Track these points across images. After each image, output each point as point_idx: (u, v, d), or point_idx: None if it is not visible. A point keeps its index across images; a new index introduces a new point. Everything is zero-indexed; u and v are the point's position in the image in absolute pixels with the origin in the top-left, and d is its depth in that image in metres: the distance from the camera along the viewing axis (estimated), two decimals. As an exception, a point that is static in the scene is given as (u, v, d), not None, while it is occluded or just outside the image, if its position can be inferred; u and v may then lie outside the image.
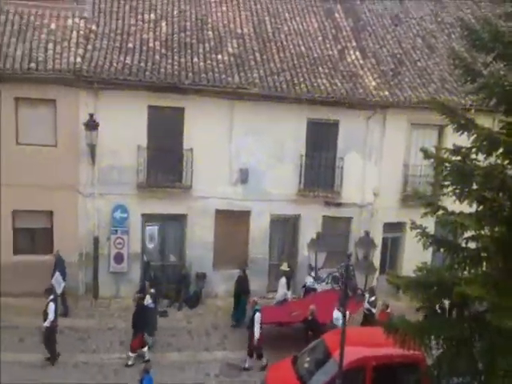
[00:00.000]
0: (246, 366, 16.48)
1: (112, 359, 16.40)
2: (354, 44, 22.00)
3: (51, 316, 15.54)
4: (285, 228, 21.09)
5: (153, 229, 19.65)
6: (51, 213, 18.80)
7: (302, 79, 20.00)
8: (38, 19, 18.70)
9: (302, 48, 21.16)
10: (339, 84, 20.34)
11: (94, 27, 19.21)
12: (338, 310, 16.26)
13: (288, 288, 19.32)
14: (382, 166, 21.10)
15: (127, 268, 19.58)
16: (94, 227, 19.17)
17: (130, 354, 16.20)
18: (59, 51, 18.17)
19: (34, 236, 19.10)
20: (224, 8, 21.44)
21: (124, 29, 19.56)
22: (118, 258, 19.42)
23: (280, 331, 17.83)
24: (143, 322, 16.33)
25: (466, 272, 11.03)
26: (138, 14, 20.18)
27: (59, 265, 18.16)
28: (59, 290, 17.43)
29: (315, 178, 20.63)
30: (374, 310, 17.86)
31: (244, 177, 19.98)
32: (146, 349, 16.42)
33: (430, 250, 11.93)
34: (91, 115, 18.02)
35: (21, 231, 18.89)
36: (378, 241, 20.60)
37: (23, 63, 17.59)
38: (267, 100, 19.50)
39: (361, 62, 21.44)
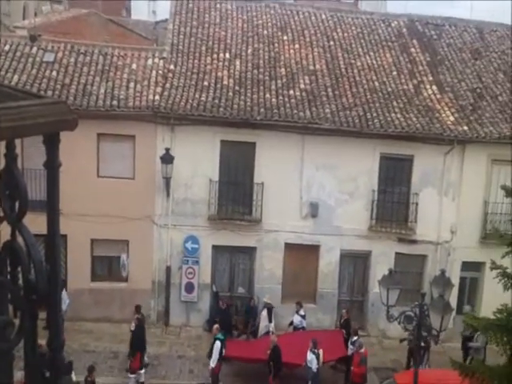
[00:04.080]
0: None
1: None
2: (431, 78, 21.59)
3: None
4: (355, 264, 20.82)
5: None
6: (127, 242, 19.70)
7: (375, 114, 19.88)
8: (120, 59, 19.95)
9: (376, 83, 21.04)
10: (414, 118, 20.03)
11: (172, 67, 20.15)
12: (312, 351, 15.71)
13: (270, 320, 18.79)
14: (460, 202, 20.42)
15: (197, 297, 20.06)
16: (166, 257, 19.87)
17: (130, 375, 16.36)
18: (139, 90, 19.23)
19: (111, 264, 20.08)
20: (297, 46, 21.77)
21: (200, 68, 20.34)
22: (189, 288, 19.96)
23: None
24: (140, 342, 16.53)
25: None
26: (214, 53, 20.93)
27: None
28: (64, 307, 16.97)
29: (388, 214, 20.30)
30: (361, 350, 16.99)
31: (314, 211, 19.99)
32: (142, 371, 16.50)
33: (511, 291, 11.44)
34: (167, 149, 18.85)
35: (98, 259, 19.94)
36: (455, 280, 19.79)
37: (106, 101, 18.75)
38: (339, 135, 19.53)
39: (438, 96, 20.99)
